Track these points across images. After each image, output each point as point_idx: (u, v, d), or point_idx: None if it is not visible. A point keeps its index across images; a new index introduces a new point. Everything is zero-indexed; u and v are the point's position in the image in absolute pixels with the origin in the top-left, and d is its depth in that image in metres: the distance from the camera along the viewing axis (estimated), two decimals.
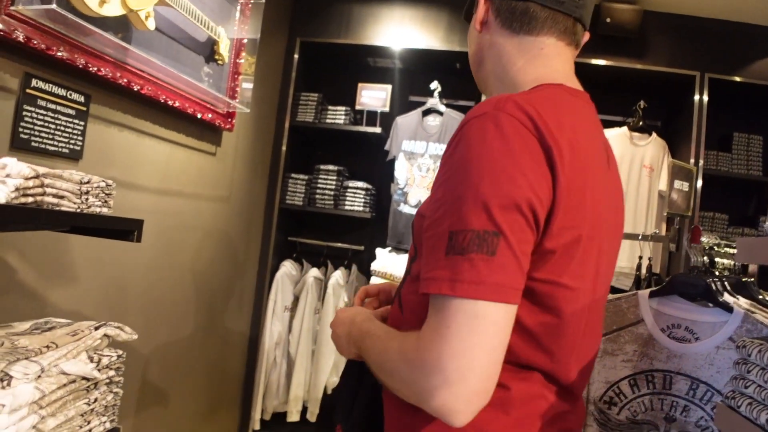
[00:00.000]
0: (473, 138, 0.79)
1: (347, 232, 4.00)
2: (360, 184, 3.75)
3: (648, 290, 1.26)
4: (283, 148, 3.74)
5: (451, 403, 0.72)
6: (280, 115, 3.81)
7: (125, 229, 1.38)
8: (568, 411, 0.89)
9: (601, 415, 1.22)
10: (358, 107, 3.78)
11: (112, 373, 1.25)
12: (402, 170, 3.69)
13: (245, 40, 3.09)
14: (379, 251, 3.71)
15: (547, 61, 0.98)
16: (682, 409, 1.16)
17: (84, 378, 1.14)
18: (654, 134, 3.74)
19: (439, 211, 0.79)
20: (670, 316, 1.24)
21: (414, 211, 3.64)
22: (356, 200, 3.73)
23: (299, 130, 3.87)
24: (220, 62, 2.86)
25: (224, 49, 2.85)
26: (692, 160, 3.54)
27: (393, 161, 3.74)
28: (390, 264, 3.60)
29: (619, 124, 3.86)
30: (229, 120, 3.08)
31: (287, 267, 3.76)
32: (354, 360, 1.04)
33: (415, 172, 3.67)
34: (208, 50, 2.75)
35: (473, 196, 0.75)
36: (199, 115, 2.72)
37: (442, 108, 3.69)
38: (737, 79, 3.60)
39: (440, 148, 3.63)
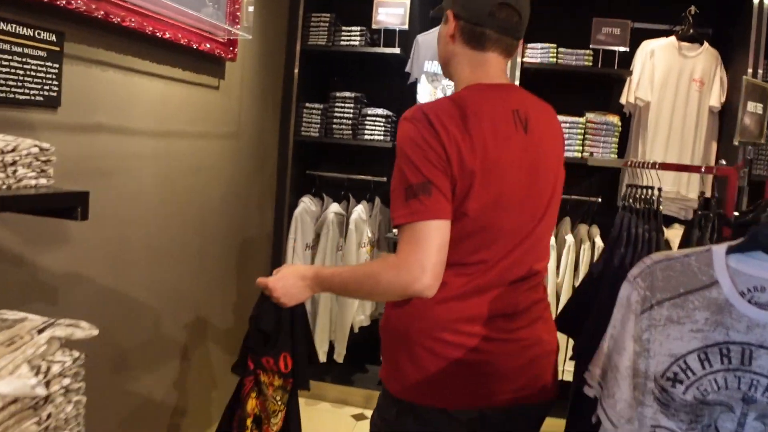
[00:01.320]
0: (401, 131, 1.27)
1: (368, 163, 3.75)
2: (380, 111, 3.47)
3: (724, 245, 1.01)
4: (295, 75, 3.46)
5: (427, 281, 1.20)
6: (290, 40, 3.50)
7: (66, 207, 1.14)
8: (466, 280, 1.31)
9: (663, 394, 1.02)
10: (374, 26, 3.45)
11: (67, 381, 1.03)
12: (425, 94, 3.39)
13: None
14: None
15: (487, 69, 1.38)
16: (765, 389, 0.94)
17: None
18: (706, 44, 3.34)
19: (396, 175, 1.26)
20: (752, 276, 1.00)
21: None
22: (376, 129, 3.45)
23: (312, 55, 3.56)
24: None
25: None
26: (750, 71, 3.15)
27: (415, 84, 3.43)
28: None
29: (666, 33, 3.46)
30: (232, 49, 2.81)
31: (306, 203, 3.55)
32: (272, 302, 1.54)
33: (440, 94, 3.36)
34: None
35: (412, 164, 1.22)
36: (195, 46, 2.46)
37: None
38: None
39: None
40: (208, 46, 2.57)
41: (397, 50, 3.36)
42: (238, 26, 2.72)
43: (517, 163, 1.31)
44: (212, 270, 2.87)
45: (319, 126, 3.50)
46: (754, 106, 2.02)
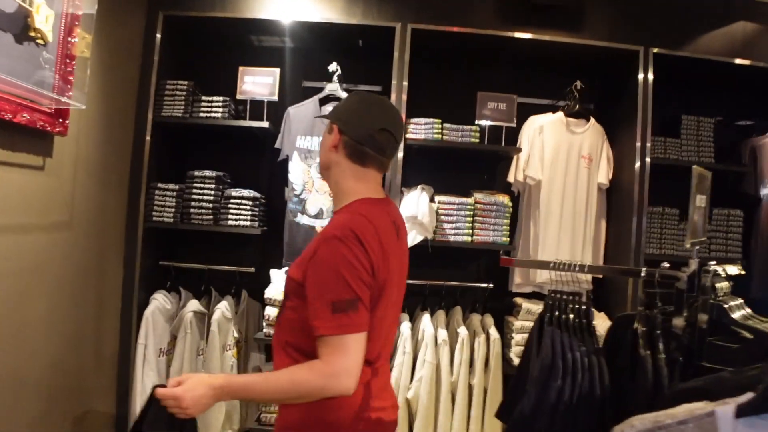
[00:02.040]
0: (332, 249, 1.40)
1: (233, 252, 3.27)
2: (246, 192, 3.02)
3: (730, 405, 0.65)
4: (146, 151, 2.95)
5: (352, 384, 1.37)
6: (140, 110, 3.01)
7: None
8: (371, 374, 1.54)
9: None
10: (239, 96, 3.04)
11: None
12: (297, 172, 2.99)
13: (81, 13, 2.31)
14: (274, 273, 3.01)
15: (368, 183, 1.59)
16: None
17: None
18: (592, 120, 3.21)
19: (321, 289, 1.39)
20: None
21: (315, 223, 2.96)
22: (242, 213, 2.99)
23: (166, 127, 3.08)
24: (39, 41, 2.09)
25: (44, 23, 2.08)
26: (638, 145, 3.03)
27: (286, 162, 3.03)
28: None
29: (550, 109, 3.31)
30: (61, 121, 2.31)
31: (159, 300, 2.99)
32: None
33: (314, 173, 2.97)
34: (19, 25, 1.97)
35: (344, 281, 1.37)
36: (8, 117, 1.95)
37: (342, 94, 3.01)
38: (685, 54, 3.12)
39: None
40: (26, 116, 2.07)
41: (265, 124, 2.96)
42: (71, 93, 2.23)
43: (398, 269, 1.58)
44: (33, 403, 2.23)
45: (174, 210, 2.99)
46: (700, 200, 1.78)
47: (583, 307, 1.68)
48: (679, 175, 3.37)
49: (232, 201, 3.00)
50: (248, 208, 2.98)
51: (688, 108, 3.31)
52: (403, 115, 2.93)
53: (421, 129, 3.01)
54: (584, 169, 3.17)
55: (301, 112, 3.02)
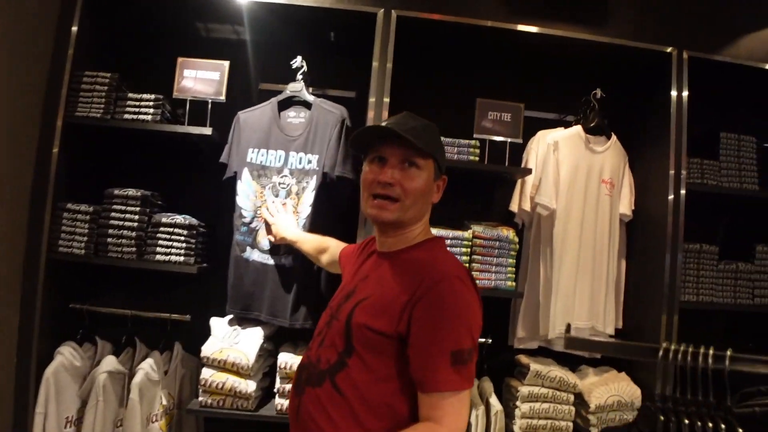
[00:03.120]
0: (456, 290, 1.28)
1: (164, 294, 2.58)
2: (180, 218, 2.36)
3: None
4: (53, 161, 2.28)
5: None
6: (48, 109, 2.35)
7: None
8: None
9: None
10: (177, 95, 2.40)
11: None
12: (247, 194, 2.34)
13: None
14: (215, 323, 2.36)
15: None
16: None
17: None
18: (614, 137, 2.63)
19: (439, 335, 1.24)
20: None
21: (269, 260, 2.30)
22: (174, 244, 2.33)
23: (81, 131, 2.39)
24: None
25: None
26: (671, 170, 2.45)
27: (233, 180, 2.37)
28: (233, 347, 2.25)
29: (556, 123, 2.72)
30: None
31: (66, 355, 2.30)
32: None
33: (269, 196, 2.33)
34: None
35: (466, 326, 1.26)
36: None
37: (309, 97, 2.38)
38: (725, 59, 2.56)
39: (308, 160, 2.31)
40: None
41: (208, 130, 2.31)
42: None
43: None
44: None
45: (87, 239, 2.31)
46: None
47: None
48: (719, 204, 2.84)
49: (162, 229, 2.33)
50: (183, 238, 2.32)
51: (725, 124, 2.75)
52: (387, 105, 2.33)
53: None
54: (605, 196, 2.58)
55: (255, 119, 2.38)
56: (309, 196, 2.27)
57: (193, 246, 2.33)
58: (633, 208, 2.66)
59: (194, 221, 2.36)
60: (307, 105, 2.37)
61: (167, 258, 2.31)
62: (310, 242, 2.13)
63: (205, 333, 2.34)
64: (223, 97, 2.36)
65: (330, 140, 2.27)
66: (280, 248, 2.29)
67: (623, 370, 2.55)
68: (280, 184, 2.31)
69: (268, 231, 2.28)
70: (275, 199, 2.29)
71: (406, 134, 1.34)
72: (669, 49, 2.50)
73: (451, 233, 2.39)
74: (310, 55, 2.47)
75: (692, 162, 2.58)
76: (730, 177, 2.63)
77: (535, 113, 2.72)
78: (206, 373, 2.24)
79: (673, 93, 2.48)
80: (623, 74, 2.74)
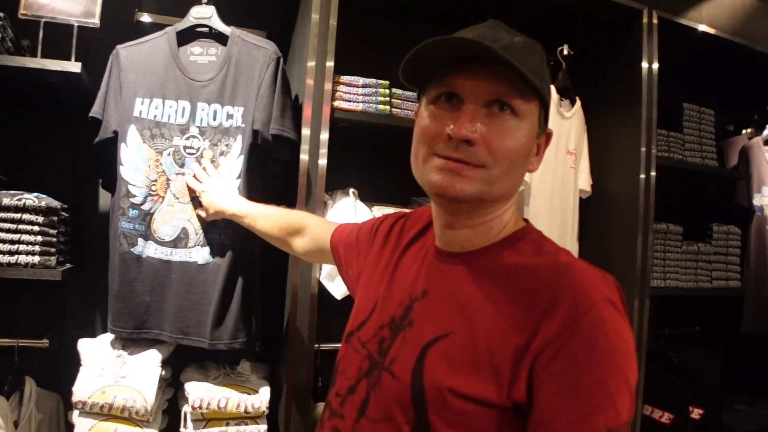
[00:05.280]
0: (614, 327, 0.75)
1: (10, 308, 1.79)
2: (31, 199, 1.58)
3: None
4: None
5: None
6: None
7: None
8: None
9: None
10: (24, 14, 1.60)
11: None
12: (137, 164, 1.63)
13: None
14: (87, 348, 1.65)
15: None
16: None
17: None
18: (578, 103, 2.28)
19: (587, 406, 0.71)
20: None
21: (173, 255, 1.63)
22: (25, 237, 1.55)
23: None
24: None
25: None
26: (643, 149, 2.14)
27: (112, 144, 1.65)
28: (119, 382, 1.55)
29: None
30: None
31: None
32: None
33: (168, 165, 1.64)
34: None
35: (626, 385, 0.73)
36: None
37: (223, 27, 1.71)
38: (690, 24, 2.31)
39: (227, 114, 1.65)
40: None
41: (74, 66, 1.54)
42: None
43: None
44: None
45: None
46: None
47: None
48: (680, 180, 2.61)
49: (3, 215, 1.55)
50: (37, 228, 1.55)
51: (686, 94, 2.52)
52: (330, 72, 1.74)
53: (357, 95, 1.83)
54: (570, 169, 2.22)
55: (144, 56, 1.66)
56: (233, 165, 1.62)
57: (54, 239, 1.57)
58: (591, 183, 2.34)
59: (54, 202, 1.58)
60: (221, 38, 1.70)
61: (12, 258, 1.52)
62: (268, 218, 1.48)
63: (71, 363, 1.62)
64: (96, 21, 1.62)
65: (260, 87, 1.63)
66: (188, 238, 1.62)
67: None
68: (185, 148, 1.63)
69: (197, 205, 1.61)
70: (181, 168, 1.62)
71: (504, 53, 0.76)
72: (642, 7, 2.18)
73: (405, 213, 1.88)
74: None
75: (659, 134, 2.30)
76: (693, 151, 2.40)
77: None
78: (82, 425, 1.52)
79: (644, 65, 2.16)
80: (585, 34, 2.38)
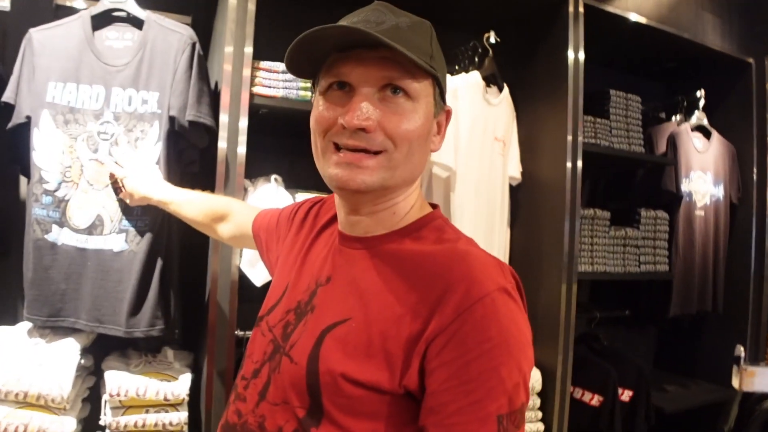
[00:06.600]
0: (507, 315, 0.77)
1: None
2: None
3: None
4: None
5: None
6: None
7: None
8: None
9: None
10: None
11: None
12: (50, 150, 1.61)
13: None
14: (2, 335, 1.61)
15: None
16: None
17: None
18: (506, 90, 2.30)
19: (478, 391, 0.73)
20: None
21: (87, 243, 1.62)
22: None
23: None
24: None
25: None
26: (569, 137, 2.18)
27: (25, 129, 1.62)
28: (35, 371, 1.54)
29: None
30: None
31: None
32: None
33: (83, 152, 1.62)
34: None
35: (519, 371, 0.75)
36: None
37: (139, 11, 1.69)
38: (616, 11, 2.36)
39: (142, 100, 1.64)
40: None
41: None
42: None
43: None
44: None
45: None
46: None
47: None
48: (611, 166, 2.67)
49: None
50: None
51: (612, 80, 2.58)
52: (248, 57, 1.73)
53: (278, 80, 1.83)
54: (498, 156, 2.25)
55: (58, 40, 1.63)
56: (150, 151, 1.61)
57: None
58: (521, 170, 2.38)
59: None
60: (137, 23, 1.68)
61: None
62: (193, 204, 1.47)
63: None
64: (5, 4, 1.59)
65: (176, 72, 1.62)
66: (102, 225, 1.61)
67: None
68: (99, 133, 1.62)
69: (118, 191, 1.59)
70: (94, 155, 1.60)
71: (387, 38, 0.76)
72: None
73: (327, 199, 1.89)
74: None
75: (586, 120, 2.35)
76: (619, 137, 2.46)
77: None
78: None
79: (570, 54, 2.19)
80: (513, 21, 2.41)
